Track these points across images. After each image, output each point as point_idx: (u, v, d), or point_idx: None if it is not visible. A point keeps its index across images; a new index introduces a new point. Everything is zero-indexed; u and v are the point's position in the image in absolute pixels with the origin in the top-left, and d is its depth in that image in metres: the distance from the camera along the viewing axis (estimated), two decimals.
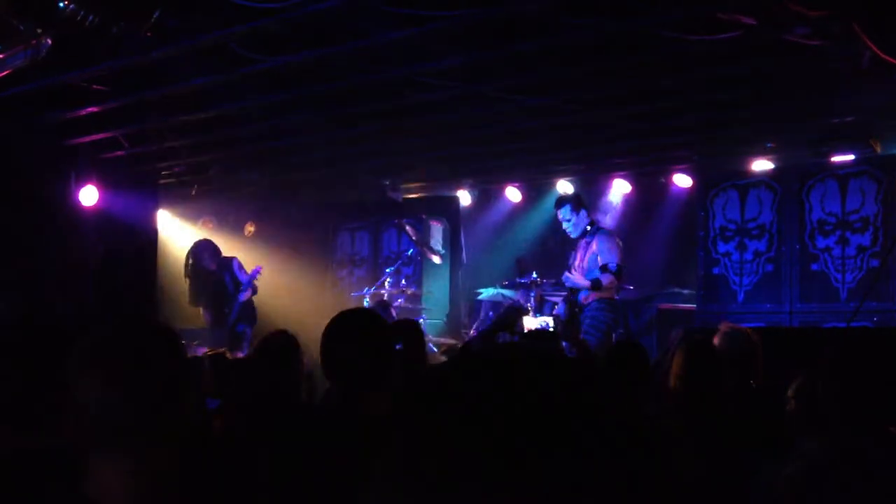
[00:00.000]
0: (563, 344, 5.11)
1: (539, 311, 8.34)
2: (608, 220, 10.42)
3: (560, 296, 9.01)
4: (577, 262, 7.95)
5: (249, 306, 9.99)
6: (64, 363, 1.63)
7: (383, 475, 0.93)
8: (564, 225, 8.05)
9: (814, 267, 8.03)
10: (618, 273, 7.66)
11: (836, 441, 2.93)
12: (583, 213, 8.00)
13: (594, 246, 7.81)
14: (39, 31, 4.80)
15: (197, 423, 1.70)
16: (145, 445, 1.56)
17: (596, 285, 7.61)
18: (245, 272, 9.97)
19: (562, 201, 8.16)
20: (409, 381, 3.59)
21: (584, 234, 7.96)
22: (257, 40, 5.95)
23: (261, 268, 9.96)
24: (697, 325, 8.40)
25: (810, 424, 3.07)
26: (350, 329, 2.83)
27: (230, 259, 10.18)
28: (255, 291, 9.98)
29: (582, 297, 7.75)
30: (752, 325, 7.85)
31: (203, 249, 10.20)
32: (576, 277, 7.75)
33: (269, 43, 6.01)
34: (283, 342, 3.73)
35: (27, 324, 2.10)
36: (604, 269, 7.63)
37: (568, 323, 6.48)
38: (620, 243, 7.91)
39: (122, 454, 1.55)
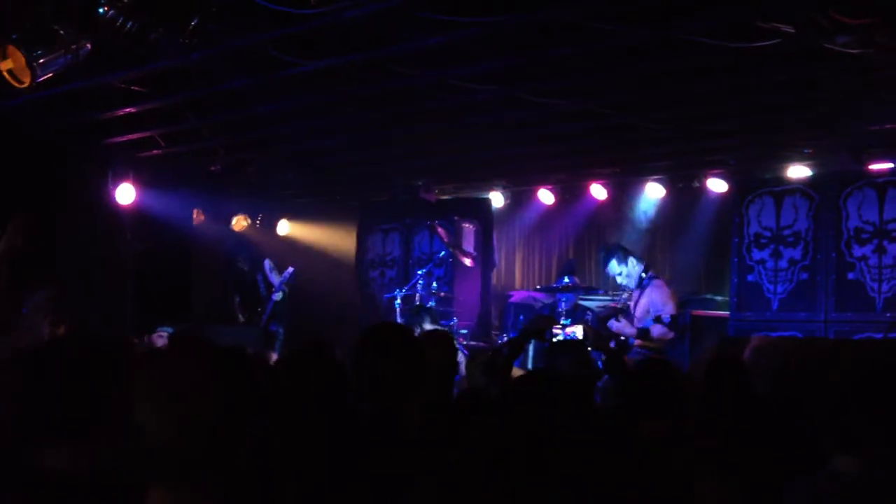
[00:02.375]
0: (593, 353, 5.09)
1: (572, 316, 8.30)
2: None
3: (594, 300, 8.97)
4: (632, 312, 7.69)
5: (282, 306, 10.05)
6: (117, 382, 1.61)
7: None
8: (618, 279, 7.81)
9: (850, 276, 7.93)
10: (672, 324, 7.36)
11: (870, 458, 2.90)
12: (631, 260, 7.73)
13: (646, 296, 7.55)
14: (79, 36, 4.87)
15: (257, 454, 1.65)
16: (201, 478, 1.53)
17: (643, 335, 7.33)
18: (276, 273, 10.03)
19: (606, 256, 7.86)
20: (440, 393, 3.61)
21: (639, 282, 7.70)
22: (294, 44, 5.99)
23: (293, 269, 10.01)
24: (731, 332, 8.33)
25: (843, 441, 3.04)
26: (380, 345, 2.85)
27: (262, 259, 10.27)
28: (286, 292, 10.05)
29: (632, 340, 7.48)
30: (786, 333, 7.81)
31: (237, 249, 10.28)
32: (623, 325, 7.48)
33: (306, 47, 6.05)
34: (317, 348, 3.74)
35: (83, 341, 2.07)
36: (657, 319, 7.34)
37: (597, 332, 6.43)
38: (674, 293, 7.67)
39: (177, 486, 1.53)
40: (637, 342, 7.38)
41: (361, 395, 2.86)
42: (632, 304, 7.76)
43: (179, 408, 1.53)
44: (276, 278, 10.00)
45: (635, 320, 7.59)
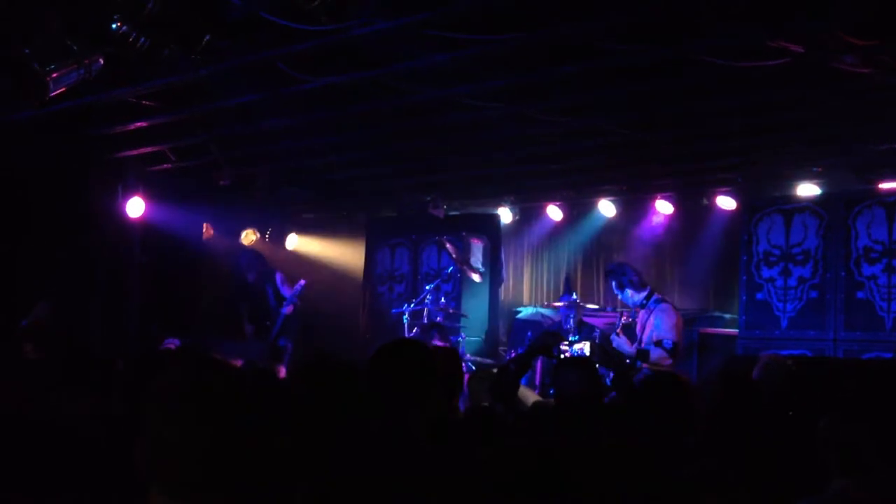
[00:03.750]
0: (600, 369, 5.09)
1: (577, 332, 8.29)
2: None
3: (601, 317, 8.96)
4: (638, 334, 7.65)
5: (291, 320, 10.05)
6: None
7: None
8: (621, 296, 7.82)
9: (859, 295, 7.91)
10: (672, 351, 7.28)
11: (874, 481, 2.89)
12: (628, 291, 7.69)
13: (652, 319, 7.49)
14: (92, 51, 4.91)
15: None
16: (204, 487, 1.56)
17: (643, 356, 7.27)
18: (288, 286, 10.04)
19: (607, 277, 7.94)
20: (446, 409, 3.61)
21: (642, 305, 7.66)
22: (304, 61, 6.03)
23: (305, 282, 10.01)
24: (739, 351, 8.32)
25: (848, 462, 3.04)
26: (394, 360, 2.89)
27: (273, 272, 10.27)
28: (297, 305, 10.06)
29: (640, 362, 7.37)
30: (795, 352, 7.78)
31: (248, 261, 10.29)
32: (623, 341, 7.45)
33: (315, 64, 6.09)
34: (323, 366, 3.74)
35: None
36: (657, 343, 7.30)
37: (604, 349, 6.42)
38: (681, 320, 7.58)
39: (179, 494, 1.55)
40: (645, 364, 7.35)
41: (372, 408, 2.89)
42: (638, 326, 7.73)
43: (182, 415, 1.56)
44: (287, 291, 10.00)
45: (641, 342, 7.56)
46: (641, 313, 7.70)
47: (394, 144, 8.66)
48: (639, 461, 3.06)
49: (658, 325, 7.44)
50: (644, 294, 7.66)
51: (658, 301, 7.63)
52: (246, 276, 10.15)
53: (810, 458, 3.45)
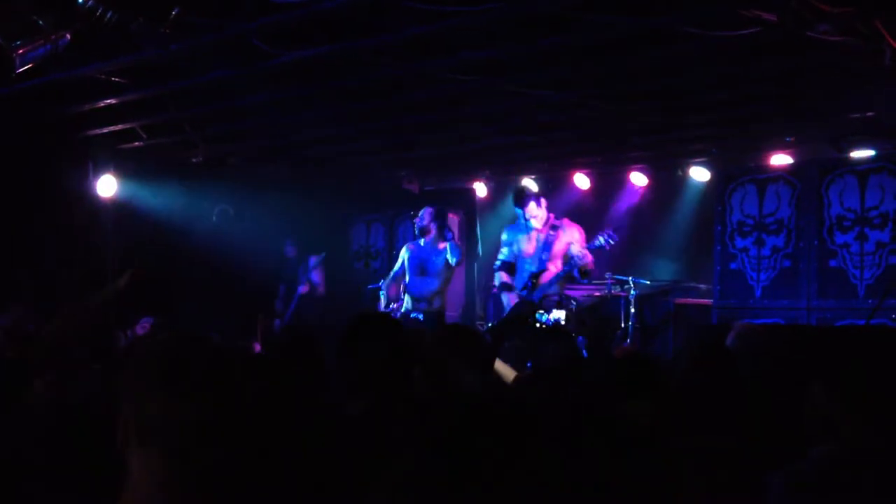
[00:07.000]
0: (578, 339, 5.12)
1: (556, 304, 8.31)
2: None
3: (579, 289, 8.99)
4: (539, 253, 8.03)
5: (307, 302, 10.07)
6: None
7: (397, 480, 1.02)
8: (532, 221, 8.06)
9: (832, 263, 7.98)
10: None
11: (849, 446, 2.92)
12: (543, 201, 8.16)
13: (565, 236, 7.98)
14: (59, 26, 4.83)
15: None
16: (185, 458, 1.55)
17: (585, 274, 7.87)
18: (320, 270, 10.09)
19: (524, 198, 8.13)
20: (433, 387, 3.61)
21: (546, 222, 8.06)
22: (277, 35, 5.96)
23: (324, 254, 10.01)
24: (714, 320, 8.39)
25: (823, 428, 3.06)
26: (366, 334, 2.84)
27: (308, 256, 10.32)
28: (312, 284, 10.06)
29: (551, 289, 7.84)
30: (769, 321, 7.86)
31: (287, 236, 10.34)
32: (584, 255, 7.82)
33: (289, 37, 6.02)
34: (299, 338, 3.73)
35: None
36: (583, 274, 7.88)
37: (581, 319, 6.46)
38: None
39: (156, 456, 1.55)
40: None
41: (344, 385, 2.85)
42: (539, 245, 8.05)
43: (164, 384, 1.55)
44: (317, 276, 10.04)
45: (552, 255, 7.96)
46: (540, 235, 8.02)
47: (369, 119, 8.61)
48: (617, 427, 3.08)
49: (576, 240, 7.96)
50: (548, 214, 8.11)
51: (559, 219, 8.16)
52: (285, 251, 10.17)
53: (787, 425, 3.48)
